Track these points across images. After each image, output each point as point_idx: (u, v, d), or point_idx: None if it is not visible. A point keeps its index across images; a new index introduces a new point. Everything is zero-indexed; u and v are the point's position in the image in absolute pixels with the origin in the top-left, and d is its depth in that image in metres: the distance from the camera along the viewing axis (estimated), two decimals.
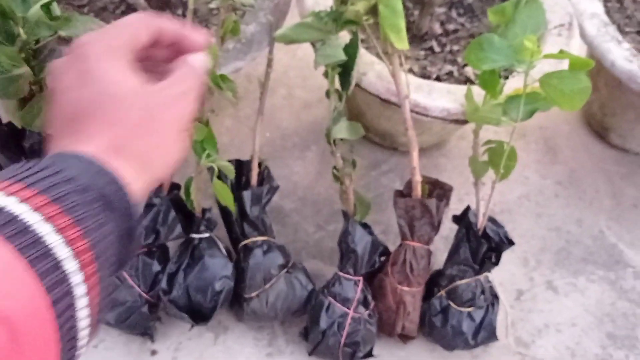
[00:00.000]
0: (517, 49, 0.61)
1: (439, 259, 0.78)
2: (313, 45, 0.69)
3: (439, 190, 0.73)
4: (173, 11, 0.80)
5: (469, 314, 0.74)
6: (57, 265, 0.31)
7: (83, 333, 0.33)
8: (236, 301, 0.75)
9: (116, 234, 0.37)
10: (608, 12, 0.87)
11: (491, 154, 0.69)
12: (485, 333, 0.75)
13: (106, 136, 0.39)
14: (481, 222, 0.72)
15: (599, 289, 0.87)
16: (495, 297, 0.76)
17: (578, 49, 0.82)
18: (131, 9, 0.78)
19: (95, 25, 0.66)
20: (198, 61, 0.43)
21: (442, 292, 0.75)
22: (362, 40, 0.79)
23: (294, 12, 0.79)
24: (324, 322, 0.72)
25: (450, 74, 0.79)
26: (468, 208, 0.74)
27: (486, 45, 0.62)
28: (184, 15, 0.79)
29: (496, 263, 0.73)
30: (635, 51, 0.80)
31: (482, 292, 0.74)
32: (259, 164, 0.75)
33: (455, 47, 0.82)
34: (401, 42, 0.63)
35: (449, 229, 0.83)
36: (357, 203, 0.75)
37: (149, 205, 0.71)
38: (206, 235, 0.73)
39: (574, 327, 0.84)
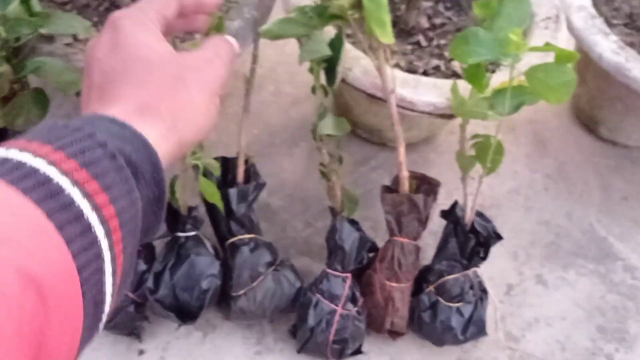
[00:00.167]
0: (503, 43, 0.60)
1: (429, 255, 0.78)
2: (298, 40, 0.69)
3: (426, 186, 0.73)
4: None
5: (458, 309, 0.74)
6: (84, 231, 0.31)
7: (107, 300, 0.32)
8: (224, 300, 0.74)
9: (144, 201, 0.36)
10: (595, 4, 0.86)
11: (478, 148, 0.68)
12: (475, 328, 0.74)
13: (136, 96, 0.39)
14: (469, 217, 0.72)
15: (589, 282, 0.87)
16: (484, 292, 0.76)
17: (565, 41, 0.81)
18: (114, 6, 0.77)
19: (77, 22, 0.65)
20: (230, 38, 0.46)
21: (431, 288, 0.75)
22: (348, 35, 0.79)
23: (280, 8, 0.79)
24: (312, 320, 0.72)
25: (437, 68, 0.79)
26: (456, 203, 0.74)
27: (471, 39, 0.61)
28: None
29: (484, 258, 0.73)
30: (623, 43, 0.80)
31: (471, 287, 0.74)
32: (246, 161, 0.74)
33: (442, 41, 0.82)
34: (386, 37, 0.62)
35: (438, 225, 0.82)
36: (344, 199, 0.74)
37: None
38: (192, 233, 0.72)
39: (564, 321, 0.84)
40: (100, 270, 0.31)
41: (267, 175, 0.89)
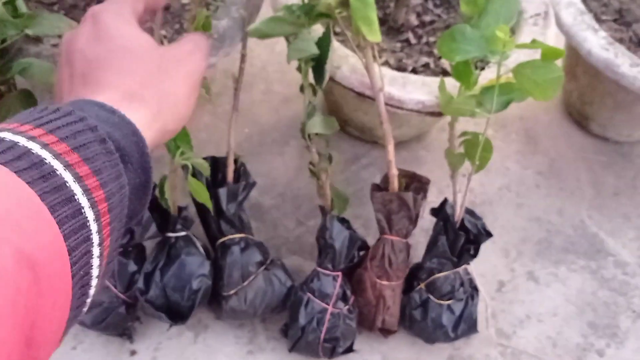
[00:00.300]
0: (490, 40, 0.60)
1: (420, 252, 0.78)
2: (287, 39, 0.69)
3: (416, 184, 0.73)
4: None
5: (449, 307, 0.74)
6: (75, 214, 0.31)
7: (93, 284, 0.33)
8: (215, 299, 0.74)
9: (131, 187, 0.37)
10: (584, 0, 0.86)
11: (467, 145, 0.68)
12: (466, 325, 0.75)
13: (123, 84, 0.40)
14: (459, 215, 0.72)
15: (580, 278, 0.87)
16: (474, 289, 0.76)
17: (554, 38, 0.82)
18: None
19: (64, 23, 0.65)
20: (203, 34, 0.49)
21: (422, 286, 0.75)
22: (337, 34, 0.78)
23: (268, 7, 0.79)
24: (303, 318, 0.72)
25: (426, 65, 0.79)
26: (445, 201, 0.74)
27: (458, 37, 0.61)
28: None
29: (475, 255, 0.73)
30: (612, 39, 0.80)
31: (462, 285, 0.74)
32: (235, 161, 0.74)
33: (432, 39, 0.82)
34: (373, 35, 0.62)
35: (429, 222, 0.82)
36: (334, 198, 0.74)
37: None
38: (183, 233, 0.72)
39: (555, 317, 0.84)
40: (89, 253, 0.32)
41: (258, 175, 0.89)
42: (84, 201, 0.32)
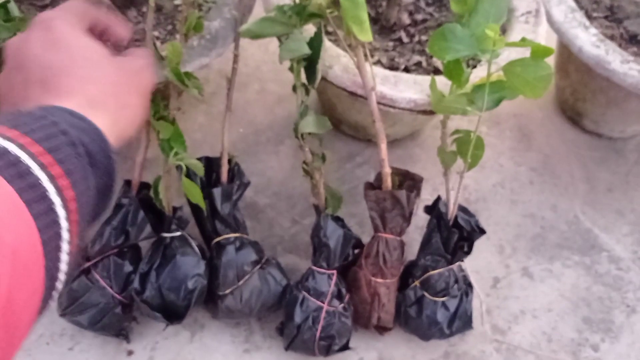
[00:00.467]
0: (480, 39, 0.61)
1: (415, 250, 0.78)
2: (279, 39, 0.69)
3: (409, 182, 0.73)
4: (138, 8, 0.79)
5: (443, 304, 0.74)
6: (49, 210, 0.34)
7: (61, 277, 0.36)
8: (211, 299, 0.75)
9: (96, 188, 0.40)
10: None
11: (459, 143, 0.69)
12: (460, 322, 0.75)
13: (86, 91, 0.43)
14: (452, 212, 0.72)
15: (575, 274, 0.88)
16: (469, 285, 0.76)
17: (546, 35, 0.82)
18: None
19: None
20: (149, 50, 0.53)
21: (416, 283, 0.75)
22: (330, 33, 0.79)
23: (260, 7, 0.79)
24: (298, 317, 0.72)
25: (418, 64, 0.79)
26: (439, 198, 0.74)
27: (449, 35, 0.62)
28: None
29: (468, 252, 0.74)
30: (603, 36, 0.80)
31: (456, 282, 0.74)
32: (229, 160, 0.74)
33: (424, 38, 0.82)
34: (364, 34, 0.63)
35: (424, 220, 0.82)
36: (328, 197, 0.74)
37: (117, 206, 0.70)
38: (178, 234, 0.72)
39: (550, 313, 0.84)
40: (59, 248, 0.35)
41: (253, 174, 0.90)
42: (56, 199, 0.35)
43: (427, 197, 0.88)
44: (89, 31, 0.49)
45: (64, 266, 0.36)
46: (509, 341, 0.81)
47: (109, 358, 0.75)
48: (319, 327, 0.72)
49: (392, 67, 0.78)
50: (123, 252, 0.72)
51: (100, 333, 0.75)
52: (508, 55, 0.71)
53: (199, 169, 0.69)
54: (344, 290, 0.74)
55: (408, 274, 0.77)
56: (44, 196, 0.34)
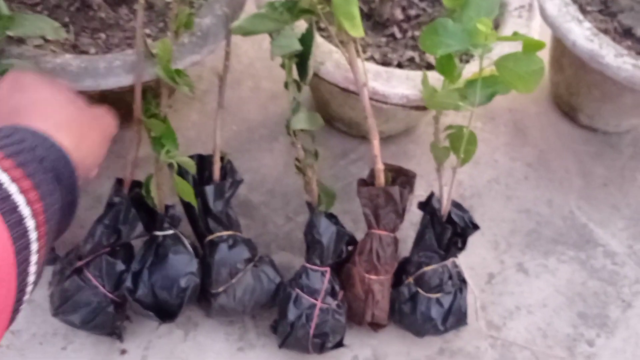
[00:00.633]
0: (472, 33, 0.60)
1: (410, 246, 0.78)
2: (270, 36, 0.69)
3: (402, 178, 0.73)
4: (130, 6, 0.79)
5: (437, 300, 0.74)
6: (20, 221, 0.36)
7: (29, 288, 0.38)
8: (204, 297, 0.75)
9: (61, 203, 0.42)
10: None
11: (452, 139, 0.68)
12: (455, 318, 0.75)
13: (49, 117, 0.46)
14: (445, 208, 0.72)
15: (570, 269, 0.88)
16: (463, 282, 0.76)
17: (539, 30, 0.82)
18: (86, 5, 0.77)
19: (45, 23, 0.65)
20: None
21: (410, 279, 0.75)
22: (322, 30, 0.78)
23: (252, 4, 0.78)
24: (292, 314, 0.72)
25: (411, 60, 0.79)
26: (432, 194, 0.74)
27: (440, 30, 0.61)
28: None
29: (462, 248, 0.73)
30: (597, 30, 0.80)
31: (450, 278, 0.74)
32: (222, 158, 0.74)
33: (417, 33, 0.82)
34: (355, 30, 0.62)
35: (418, 216, 0.82)
36: (321, 194, 0.74)
37: (109, 205, 0.70)
38: (170, 232, 0.72)
39: (545, 308, 0.84)
40: (28, 259, 0.37)
41: (246, 171, 0.89)
42: (26, 211, 0.37)
43: (421, 193, 0.88)
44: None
45: (32, 278, 0.38)
46: (504, 337, 0.81)
47: (102, 357, 0.75)
48: (313, 325, 0.71)
49: (385, 63, 0.77)
50: (115, 251, 0.72)
51: (93, 332, 0.74)
52: (501, 50, 0.70)
53: (191, 166, 0.69)
54: (337, 288, 0.74)
55: (402, 270, 0.76)
56: (15, 208, 0.36)
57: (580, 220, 0.92)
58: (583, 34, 0.79)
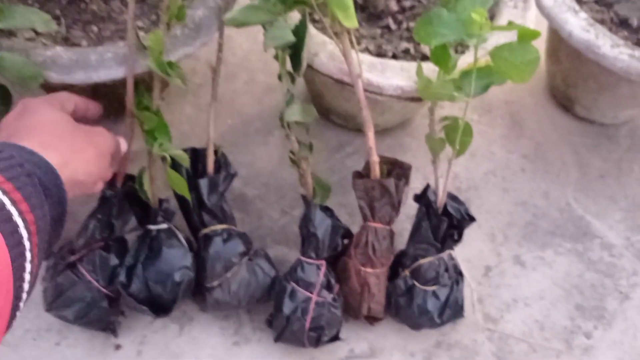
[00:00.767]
0: (466, 23, 0.60)
1: (406, 239, 0.77)
2: (263, 27, 0.68)
3: (398, 170, 0.73)
4: None
5: (434, 293, 0.74)
6: (15, 231, 0.38)
7: (24, 295, 0.39)
8: (199, 291, 0.74)
9: (49, 216, 0.44)
10: None
11: (447, 130, 0.68)
12: (451, 311, 0.74)
13: (37, 137, 0.49)
14: (441, 200, 0.72)
15: (567, 261, 0.87)
16: (460, 274, 0.75)
17: (535, 20, 0.81)
18: None
19: (36, 16, 0.64)
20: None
21: (406, 272, 0.74)
22: (316, 21, 0.78)
23: None
24: (287, 308, 0.71)
25: (406, 51, 0.78)
26: (428, 186, 0.74)
27: (435, 20, 0.61)
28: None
29: (458, 240, 0.73)
30: (593, 20, 0.79)
31: (446, 270, 0.73)
32: (215, 151, 0.73)
33: (412, 24, 0.81)
34: (349, 20, 0.62)
35: (415, 208, 0.82)
36: (316, 186, 0.74)
37: (102, 199, 0.69)
38: (164, 226, 0.72)
39: (543, 301, 0.84)
40: (23, 268, 0.39)
41: (242, 165, 0.89)
42: (19, 221, 0.38)
43: (418, 186, 0.87)
44: (73, 115, 0.58)
45: (26, 286, 0.39)
46: (501, 330, 0.81)
47: (97, 353, 0.75)
48: (308, 318, 0.71)
49: (380, 55, 0.77)
50: (109, 245, 0.71)
51: (87, 327, 0.74)
52: (496, 40, 0.70)
53: (184, 159, 0.69)
54: (333, 281, 0.73)
55: (398, 263, 0.76)
56: (9, 218, 0.38)
57: (577, 212, 0.92)
58: (579, 25, 0.79)
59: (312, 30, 0.72)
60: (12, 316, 0.38)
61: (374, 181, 0.70)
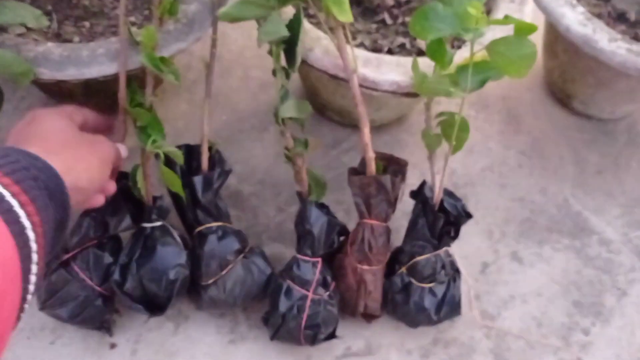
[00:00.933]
0: (462, 17, 0.59)
1: (403, 236, 0.77)
2: (257, 22, 0.67)
3: (394, 166, 0.72)
4: None
5: (431, 290, 0.73)
6: (23, 232, 0.39)
7: (29, 297, 0.41)
8: (194, 290, 0.73)
9: (53, 220, 0.45)
10: None
11: (443, 126, 0.67)
12: (448, 308, 0.74)
13: (41, 144, 0.50)
14: (437, 196, 0.71)
15: (564, 257, 0.87)
16: (456, 271, 0.75)
17: (532, 15, 0.80)
18: None
19: (26, 11, 0.63)
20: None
21: (403, 269, 0.74)
22: (311, 16, 0.77)
23: None
24: (283, 306, 0.71)
25: (402, 46, 0.77)
26: (424, 182, 0.73)
27: (431, 15, 0.60)
28: None
29: (455, 237, 0.72)
30: (590, 15, 0.79)
31: (443, 267, 0.73)
32: (210, 148, 0.73)
33: (408, 19, 0.80)
34: (343, 15, 0.61)
35: (412, 205, 0.81)
36: (312, 183, 0.73)
37: None
38: (158, 223, 0.71)
39: (540, 297, 0.83)
40: (29, 269, 0.40)
41: (237, 162, 0.88)
42: (27, 223, 0.40)
43: (414, 182, 0.87)
44: (81, 128, 0.59)
45: (31, 287, 0.40)
46: (498, 327, 0.80)
47: (92, 352, 0.74)
48: (304, 316, 0.70)
49: (375, 50, 0.76)
50: (103, 243, 0.70)
51: (81, 326, 0.73)
52: (493, 35, 0.69)
53: (179, 156, 0.68)
54: (329, 278, 0.73)
55: (395, 260, 0.75)
56: (17, 219, 0.39)
57: (575, 208, 0.91)
58: (576, 19, 0.78)
59: (306, 25, 0.71)
60: (18, 318, 0.39)
61: (370, 178, 0.69)
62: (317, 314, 0.71)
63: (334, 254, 0.74)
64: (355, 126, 0.93)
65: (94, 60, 0.65)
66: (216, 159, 0.73)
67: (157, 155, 0.67)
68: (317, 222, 0.71)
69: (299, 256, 0.72)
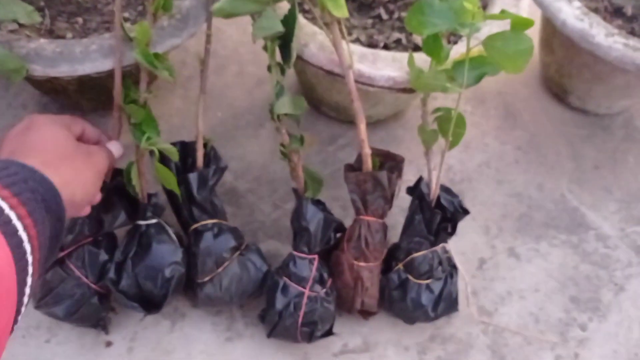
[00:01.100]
0: (458, 12, 0.59)
1: (400, 232, 0.77)
2: (252, 18, 0.67)
3: (390, 162, 0.72)
4: None
5: (428, 286, 0.73)
6: (20, 244, 0.39)
7: (22, 309, 0.41)
8: (190, 287, 0.73)
9: (49, 233, 0.45)
10: None
11: (440, 121, 0.67)
12: (445, 304, 0.74)
13: (40, 156, 0.50)
14: (434, 192, 0.71)
15: (562, 253, 0.86)
16: (453, 267, 0.75)
17: (529, 10, 0.80)
18: None
19: (18, 7, 0.62)
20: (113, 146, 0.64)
21: (400, 266, 0.74)
22: (306, 11, 0.77)
23: None
24: (279, 303, 0.70)
25: (398, 42, 0.77)
26: (420, 179, 0.73)
27: (427, 9, 0.59)
28: None
29: (452, 233, 0.72)
30: (586, 9, 0.78)
31: (440, 263, 0.73)
32: (205, 144, 0.72)
33: (404, 14, 0.80)
34: (339, 10, 0.61)
35: (408, 201, 0.81)
36: (308, 180, 0.73)
37: None
38: (153, 221, 0.70)
39: (537, 293, 0.83)
40: (25, 281, 0.40)
41: (232, 158, 0.88)
42: (24, 236, 0.40)
43: (411, 178, 0.86)
44: (78, 139, 0.59)
45: (25, 300, 0.40)
46: (495, 323, 0.80)
47: (87, 350, 0.74)
48: (301, 313, 0.70)
49: (371, 45, 0.76)
50: (98, 241, 0.70)
51: (77, 324, 0.73)
52: (489, 30, 0.69)
53: (173, 153, 0.67)
54: (326, 275, 0.72)
55: (391, 256, 0.75)
56: (15, 232, 0.39)
57: (572, 203, 0.91)
58: (573, 13, 0.78)
59: (301, 20, 0.70)
60: (12, 329, 0.39)
61: (367, 174, 0.69)
62: (313, 311, 0.70)
63: (330, 250, 0.74)
64: (351, 122, 0.93)
65: (87, 56, 0.64)
66: (211, 155, 0.73)
67: (151, 152, 0.67)
68: (314, 218, 0.70)
69: (295, 253, 0.71)
